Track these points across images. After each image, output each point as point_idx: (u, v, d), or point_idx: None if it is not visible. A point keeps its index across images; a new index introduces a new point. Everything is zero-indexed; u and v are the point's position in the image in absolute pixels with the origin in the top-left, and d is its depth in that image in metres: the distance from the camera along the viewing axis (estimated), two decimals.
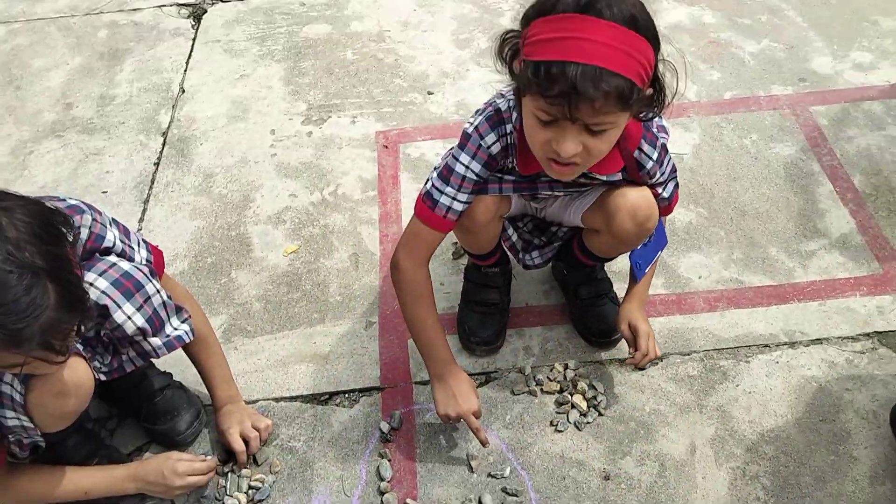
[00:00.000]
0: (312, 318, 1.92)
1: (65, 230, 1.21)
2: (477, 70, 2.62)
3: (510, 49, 1.32)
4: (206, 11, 2.98)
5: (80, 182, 2.32)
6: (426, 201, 1.54)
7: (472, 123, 1.47)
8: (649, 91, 1.27)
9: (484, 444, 1.57)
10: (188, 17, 2.97)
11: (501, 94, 1.47)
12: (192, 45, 2.82)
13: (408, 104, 2.51)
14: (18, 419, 1.36)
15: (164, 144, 2.42)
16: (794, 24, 2.71)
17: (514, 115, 1.43)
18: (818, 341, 1.79)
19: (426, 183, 1.55)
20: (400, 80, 2.60)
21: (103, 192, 2.28)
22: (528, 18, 1.25)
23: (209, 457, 1.59)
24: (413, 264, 1.58)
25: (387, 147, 2.37)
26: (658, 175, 1.52)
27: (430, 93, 2.55)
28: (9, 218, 1.12)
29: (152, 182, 2.30)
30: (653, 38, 1.22)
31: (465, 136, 1.48)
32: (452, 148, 1.52)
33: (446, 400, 1.57)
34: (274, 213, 2.19)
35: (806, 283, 1.91)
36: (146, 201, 2.25)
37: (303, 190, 2.25)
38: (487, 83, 2.56)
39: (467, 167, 1.48)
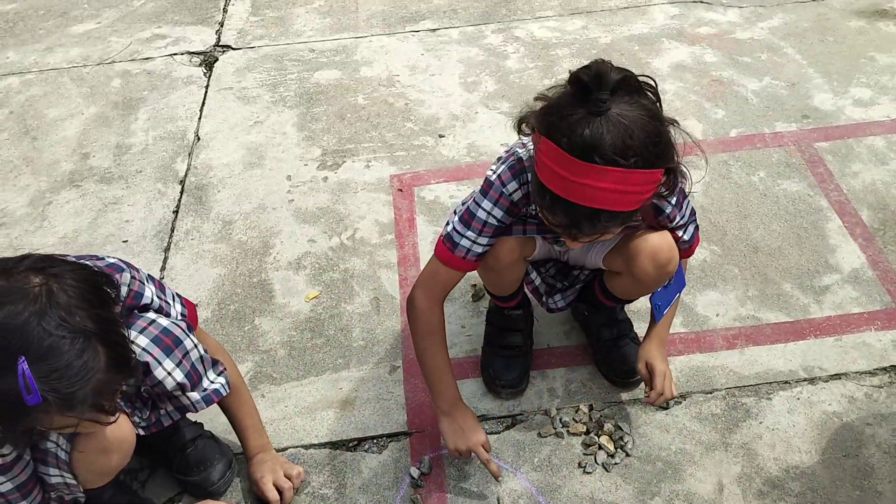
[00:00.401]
0: (337, 364, 1.95)
1: (110, 291, 1.24)
2: (486, 112, 2.68)
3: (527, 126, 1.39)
4: (217, 59, 3.04)
5: (100, 232, 2.36)
6: (446, 243, 1.57)
7: (494, 171, 1.51)
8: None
9: (496, 476, 1.63)
10: (200, 65, 3.03)
11: (522, 144, 1.52)
12: (206, 92, 2.87)
13: (420, 147, 2.56)
14: (62, 476, 1.38)
15: (181, 192, 2.46)
16: (794, 62, 2.78)
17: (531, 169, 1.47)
18: (837, 377, 1.82)
19: (447, 225, 1.59)
20: (411, 123, 2.66)
21: (123, 242, 2.31)
22: (538, 129, 1.30)
23: None
24: (429, 303, 1.62)
25: (401, 190, 2.42)
26: (678, 219, 1.56)
27: (441, 136, 2.60)
28: (59, 284, 1.15)
29: (172, 230, 2.34)
30: (661, 155, 1.27)
31: (488, 184, 1.51)
32: (474, 193, 1.56)
33: (455, 434, 1.62)
34: (294, 259, 2.22)
35: (821, 318, 1.95)
36: (167, 249, 2.28)
37: (321, 235, 2.29)
38: (497, 125, 2.62)
39: (489, 213, 1.52)
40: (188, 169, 2.55)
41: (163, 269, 2.22)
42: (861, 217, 2.19)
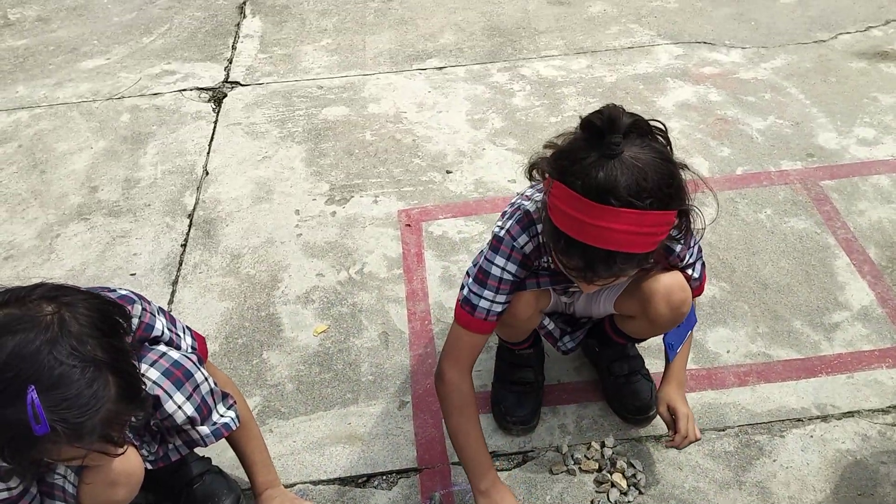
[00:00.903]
0: (346, 399, 1.93)
1: (122, 322, 1.24)
2: (493, 149, 2.71)
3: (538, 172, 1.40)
4: (225, 95, 3.08)
5: (108, 265, 2.36)
6: (465, 307, 1.56)
7: (501, 227, 1.51)
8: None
9: None
10: (209, 100, 3.06)
11: (528, 197, 1.52)
12: (214, 127, 2.90)
13: (427, 183, 2.58)
14: None
15: (190, 226, 2.47)
16: (797, 101, 2.82)
17: (544, 214, 1.47)
18: (850, 414, 1.81)
19: (462, 289, 1.58)
20: (419, 159, 2.68)
21: (131, 275, 2.31)
22: (551, 174, 1.31)
23: None
24: (458, 373, 1.59)
25: (409, 225, 2.42)
26: (687, 257, 1.57)
27: (448, 171, 2.62)
28: (71, 313, 1.15)
29: (180, 264, 2.34)
30: (674, 196, 1.28)
31: (497, 240, 1.51)
32: (483, 251, 1.55)
33: None
34: (302, 293, 2.22)
35: (832, 355, 1.94)
36: (175, 283, 2.28)
37: (329, 269, 2.29)
38: (504, 161, 2.64)
39: (503, 269, 1.51)
40: (196, 203, 2.56)
41: (170, 302, 2.21)
42: (869, 255, 2.20)
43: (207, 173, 2.68)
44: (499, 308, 1.54)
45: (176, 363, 1.41)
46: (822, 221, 2.32)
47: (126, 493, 1.41)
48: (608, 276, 1.33)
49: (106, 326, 1.18)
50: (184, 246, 2.40)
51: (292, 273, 2.29)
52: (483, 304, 1.53)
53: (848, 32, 3.22)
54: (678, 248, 1.52)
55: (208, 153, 2.78)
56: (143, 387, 1.25)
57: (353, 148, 2.75)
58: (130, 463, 1.37)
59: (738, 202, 2.40)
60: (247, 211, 2.51)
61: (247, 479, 1.70)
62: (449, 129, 2.81)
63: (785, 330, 2.01)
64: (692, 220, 1.39)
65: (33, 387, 1.07)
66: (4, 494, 1.26)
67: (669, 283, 1.55)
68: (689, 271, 1.59)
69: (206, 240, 2.42)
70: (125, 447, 1.23)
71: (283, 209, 2.51)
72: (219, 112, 2.98)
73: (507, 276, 1.51)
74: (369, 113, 2.92)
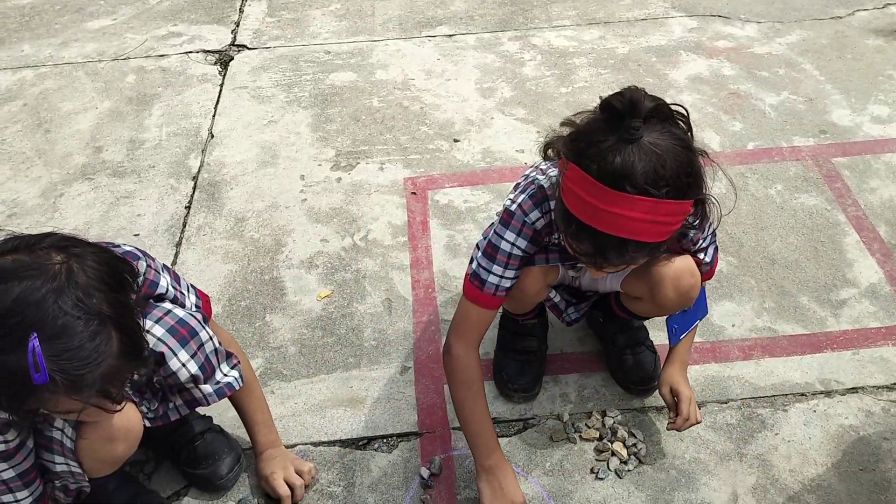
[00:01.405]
0: (348, 363, 1.93)
1: (129, 278, 1.22)
2: (501, 118, 2.68)
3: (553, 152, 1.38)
4: (232, 58, 3.04)
5: (112, 225, 2.34)
6: (474, 281, 1.54)
7: (513, 201, 1.48)
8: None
9: None
10: (215, 63, 3.03)
11: (542, 171, 1.49)
12: (220, 90, 2.87)
13: (434, 151, 2.55)
14: (67, 465, 1.36)
15: (194, 188, 2.45)
16: (812, 78, 2.78)
17: (557, 195, 1.44)
18: (854, 390, 1.80)
19: (471, 262, 1.56)
20: (426, 127, 2.65)
21: (135, 235, 2.30)
22: (567, 155, 1.28)
23: None
24: (465, 348, 1.58)
25: (415, 193, 2.41)
26: (700, 241, 1.55)
27: (456, 140, 2.60)
28: (80, 264, 1.13)
29: (184, 226, 2.33)
30: (692, 185, 1.24)
31: (509, 214, 1.48)
32: (493, 225, 1.53)
33: (493, 495, 1.55)
34: (306, 258, 2.21)
35: (838, 332, 1.93)
36: (178, 244, 2.27)
37: (334, 235, 2.28)
38: (513, 131, 2.61)
39: (513, 244, 1.49)
40: (201, 165, 2.54)
41: (174, 263, 2.20)
42: (879, 233, 2.18)
43: (213, 136, 2.66)
44: (507, 284, 1.53)
45: (181, 321, 1.40)
46: (833, 198, 2.29)
47: (125, 448, 1.40)
48: (619, 263, 1.31)
49: (113, 281, 1.16)
50: (188, 208, 2.39)
51: (296, 238, 2.27)
52: (492, 279, 1.51)
53: (865, 9, 3.17)
54: (691, 232, 1.49)
55: (214, 116, 2.75)
56: (146, 345, 1.23)
57: (359, 114, 2.72)
58: (129, 419, 1.37)
59: (748, 177, 2.37)
60: (251, 175, 2.49)
61: (248, 440, 1.70)
62: (457, 98, 2.78)
63: (791, 305, 2.00)
64: (708, 210, 1.35)
65: (35, 334, 1.05)
66: (1, 447, 1.26)
67: (679, 267, 1.52)
68: (701, 255, 1.57)
69: (211, 202, 2.40)
70: (123, 404, 1.22)
71: (288, 174, 2.49)
72: (225, 75, 2.95)
73: (516, 251, 1.49)
74: (377, 79, 2.89)
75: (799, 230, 2.20)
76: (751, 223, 2.23)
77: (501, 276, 1.51)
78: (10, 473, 1.29)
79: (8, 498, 1.32)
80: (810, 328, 1.94)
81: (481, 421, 1.58)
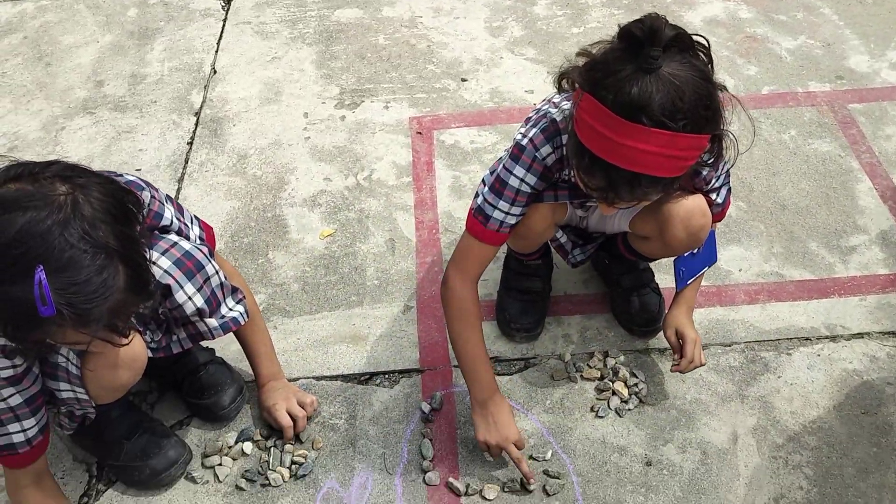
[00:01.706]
0: (351, 301, 1.92)
1: (135, 210, 1.19)
2: (511, 58, 2.62)
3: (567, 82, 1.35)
4: None
5: (113, 159, 2.32)
6: (478, 216, 1.51)
7: (524, 135, 1.44)
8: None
9: (528, 477, 1.53)
10: None
11: (555, 104, 1.44)
12: (223, 26, 2.81)
13: (441, 91, 2.50)
14: (73, 391, 1.36)
15: (196, 124, 2.42)
16: (830, 22, 2.70)
17: (570, 127, 1.40)
18: (859, 336, 1.79)
19: (476, 197, 1.53)
20: (433, 66, 2.60)
21: (137, 170, 2.27)
22: (582, 86, 1.24)
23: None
24: (463, 282, 1.56)
25: (421, 133, 2.37)
26: (714, 181, 1.51)
27: (463, 79, 2.54)
28: (85, 196, 1.10)
29: (186, 161, 2.30)
30: (710, 119, 1.20)
31: (519, 148, 1.44)
32: (502, 159, 1.49)
33: (487, 428, 1.54)
34: (309, 196, 2.18)
35: (846, 278, 1.91)
36: (180, 180, 2.24)
37: (337, 174, 2.25)
38: (522, 71, 2.56)
39: (522, 180, 1.45)
40: (203, 101, 2.50)
41: (176, 198, 2.18)
42: (892, 180, 2.14)
43: (215, 72, 2.61)
44: (513, 220, 1.50)
45: (187, 254, 1.38)
46: (847, 145, 2.25)
47: (129, 376, 1.40)
48: (630, 199, 1.28)
49: (119, 213, 1.13)
50: (190, 144, 2.36)
51: (299, 176, 2.25)
52: (497, 214, 1.49)
53: None
54: (705, 170, 1.45)
55: (216, 52, 2.70)
56: (153, 278, 1.21)
57: (365, 52, 2.66)
58: (134, 348, 1.36)
59: (762, 122, 2.32)
60: (254, 112, 2.45)
61: (250, 373, 1.71)
62: (466, 36, 2.72)
63: (800, 251, 1.98)
64: (725, 147, 1.31)
65: (41, 267, 1.03)
66: (9, 372, 1.25)
67: (690, 207, 1.49)
68: (713, 195, 1.54)
69: (213, 139, 2.37)
70: (130, 337, 1.21)
71: (291, 111, 2.45)
72: (228, 10, 2.89)
73: (525, 187, 1.46)
74: (383, 16, 2.82)
75: (811, 176, 2.17)
76: (763, 168, 2.19)
77: (507, 213, 1.49)
78: (17, 399, 1.29)
79: (15, 427, 1.32)
80: (818, 274, 1.92)
81: (477, 355, 1.57)
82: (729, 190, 1.57)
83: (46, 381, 1.35)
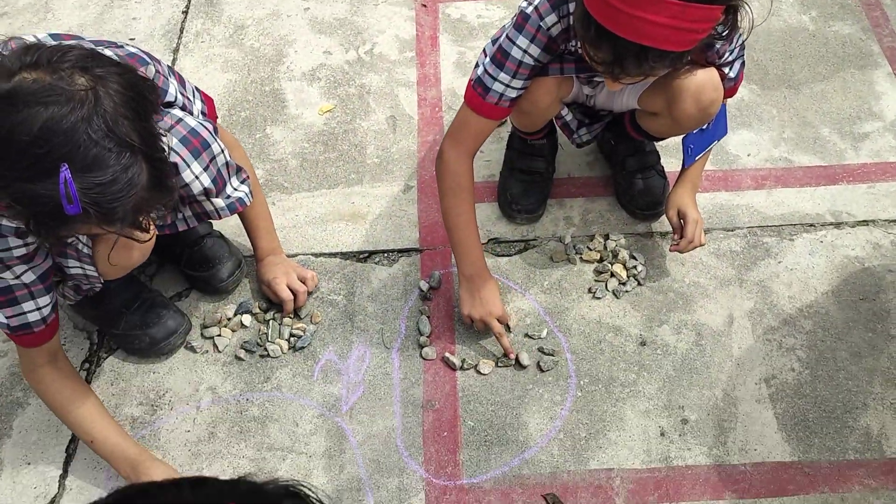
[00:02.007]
0: (350, 179, 1.89)
1: (153, 100, 1.14)
2: None
3: None
4: None
5: (106, 28, 2.24)
6: (477, 88, 1.45)
7: (529, 3, 1.37)
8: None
9: (507, 352, 1.55)
10: None
11: None
12: None
13: None
14: (82, 268, 1.36)
15: None
16: None
17: None
18: (864, 223, 1.77)
19: (476, 67, 1.46)
20: None
21: (130, 39, 2.19)
22: None
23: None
24: (458, 155, 1.52)
25: (425, 6, 2.26)
26: (727, 54, 1.44)
27: None
28: (105, 89, 1.04)
29: (181, 31, 2.22)
30: None
31: (523, 17, 1.37)
32: (505, 28, 1.42)
33: (471, 302, 1.55)
34: (308, 70, 2.11)
35: (856, 164, 1.87)
36: (175, 51, 2.17)
37: (337, 47, 2.17)
38: None
39: (525, 51, 1.38)
40: None
41: None
42: None
43: None
44: (513, 93, 1.44)
45: (193, 131, 1.34)
46: (870, 27, 2.14)
47: (139, 256, 1.40)
48: (637, 73, 1.23)
49: (139, 107, 1.09)
50: (185, 13, 2.26)
51: (298, 49, 2.17)
52: (497, 87, 1.43)
53: None
54: (719, 43, 1.38)
55: None
56: (174, 175, 1.18)
57: None
58: None
59: (781, 1, 2.21)
60: None
61: (249, 248, 1.70)
62: None
63: (811, 136, 1.92)
64: (739, 19, 1.25)
65: (66, 166, 1.00)
66: (23, 251, 1.24)
67: (702, 80, 1.43)
68: (726, 69, 1.47)
69: (209, 8, 2.27)
70: (152, 232, 1.20)
71: None
72: None
73: (527, 59, 1.40)
74: None
75: (829, 59, 2.08)
76: (779, 51, 2.10)
77: (507, 86, 1.43)
78: (31, 276, 1.28)
79: (30, 305, 1.30)
80: (828, 160, 1.88)
81: (466, 229, 1.56)
82: (742, 63, 1.51)
83: (55, 257, 1.35)
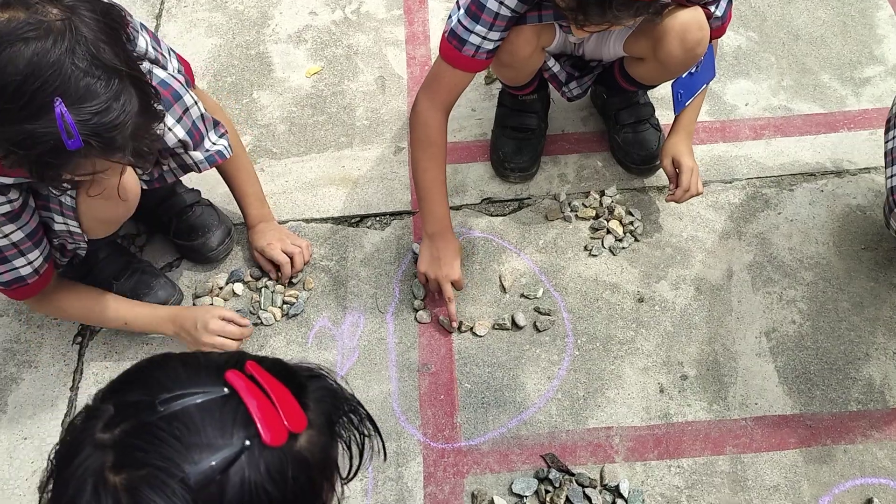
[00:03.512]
0: (340, 142, 1.85)
1: (123, 25, 1.10)
2: None
3: None
4: None
5: None
6: (452, 41, 1.40)
7: None
8: None
9: (451, 318, 1.53)
10: None
11: None
12: None
13: None
14: (66, 224, 1.33)
15: None
16: None
17: None
18: (866, 170, 1.73)
19: (449, 19, 1.41)
20: None
21: None
22: None
23: (251, 324, 1.53)
24: (431, 108, 1.48)
25: None
26: None
27: None
28: (79, 17, 1.01)
29: None
30: None
31: None
32: None
33: (429, 261, 1.52)
34: (294, 32, 2.06)
35: (857, 111, 1.82)
36: (158, 17, 2.11)
37: (323, 7, 2.11)
38: None
39: (501, 3, 1.34)
40: None
41: None
42: None
43: None
44: (490, 46, 1.40)
45: (163, 83, 1.31)
46: None
47: (123, 209, 1.38)
48: (601, 21, 1.20)
49: (114, 32, 1.06)
50: None
51: (283, 10, 2.11)
52: (473, 39, 1.38)
53: None
54: None
55: None
56: (158, 96, 1.14)
57: None
58: (127, 180, 1.32)
59: None
60: None
61: (239, 216, 1.68)
62: None
63: (811, 83, 1.87)
64: None
65: (60, 100, 0.98)
66: (7, 208, 1.22)
67: (686, 20, 1.39)
68: (711, 8, 1.42)
69: None
70: (154, 158, 1.18)
71: None
72: None
73: (504, 10, 1.35)
74: None
75: (829, 3, 2.02)
76: None
77: (484, 38, 1.39)
78: (18, 235, 1.27)
79: (21, 262, 1.30)
80: (828, 107, 1.83)
81: (433, 186, 1.52)
82: (729, 2, 1.46)
83: (40, 212, 1.32)
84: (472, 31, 1.38)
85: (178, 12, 2.12)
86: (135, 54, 1.30)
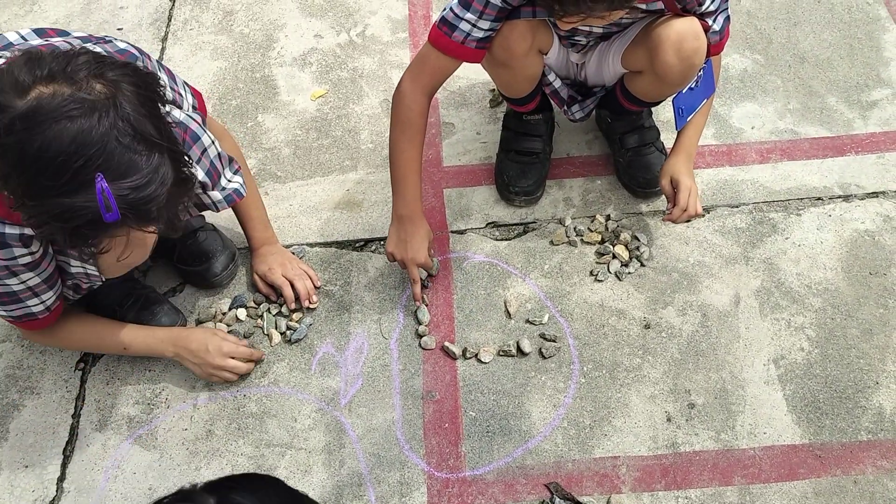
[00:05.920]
0: (344, 166, 1.85)
1: (160, 95, 1.12)
2: None
3: None
4: None
5: (94, 18, 2.19)
6: (442, 27, 1.42)
7: None
8: None
9: (416, 298, 1.56)
10: None
11: None
12: None
13: None
14: (83, 267, 1.34)
15: None
16: None
17: None
18: (874, 195, 1.71)
19: (443, 10, 1.43)
20: None
21: (118, 29, 2.15)
22: None
23: (257, 348, 1.55)
24: (414, 90, 1.48)
25: None
26: (707, 3, 1.39)
27: None
28: (122, 91, 1.04)
29: (169, 19, 2.17)
30: None
31: None
32: None
33: (398, 243, 1.53)
34: (299, 55, 2.07)
35: (865, 134, 1.81)
36: (164, 39, 2.12)
37: (328, 30, 2.12)
38: None
39: None
40: None
41: (160, 59, 2.07)
42: None
43: None
44: (480, 34, 1.41)
45: (181, 124, 1.31)
46: None
47: (141, 254, 1.36)
48: (576, 12, 1.21)
49: (152, 104, 1.09)
50: (173, 0, 2.21)
51: (289, 33, 2.12)
52: (463, 26, 1.40)
53: None
54: None
55: None
56: (190, 164, 1.17)
57: None
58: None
59: None
60: None
61: (243, 240, 1.67)
62: None
63: (818, 106, 1.86)
64: None
65: (101, 175, 1.00)
66: (28, 259, 1.23)
67: (682, 29, 1.40)
68: (709, 21, 1.42)
69: None
70: (184, 224, 1.21)
71: None
72: None
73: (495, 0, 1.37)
74: None
75: (835, 25, 2.01)
76: (783, 18, 2.03)
77: (474, 26, 1.40)
78: (35, 280, 1.28)
79: (34, 301, 1.32)
80: (835, 130, 1.82)
81: (408, 168, 1.52)
82: (727, 18, 1.46)
83: (57, 256, 1.33)
84: (462, 18, 1.39)
85: (184, 35, 2.12)
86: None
